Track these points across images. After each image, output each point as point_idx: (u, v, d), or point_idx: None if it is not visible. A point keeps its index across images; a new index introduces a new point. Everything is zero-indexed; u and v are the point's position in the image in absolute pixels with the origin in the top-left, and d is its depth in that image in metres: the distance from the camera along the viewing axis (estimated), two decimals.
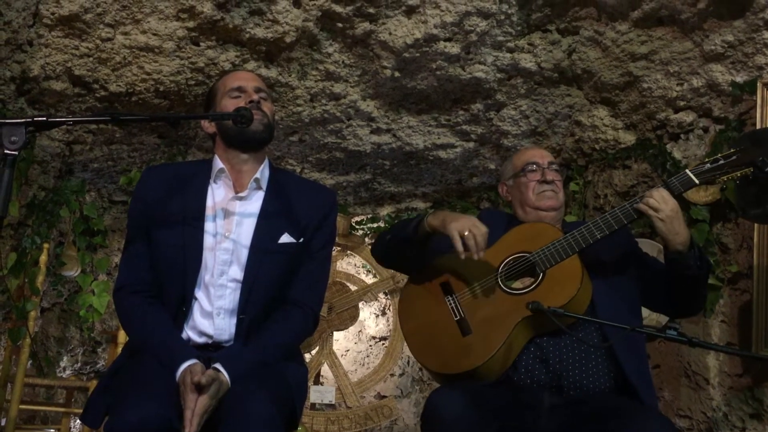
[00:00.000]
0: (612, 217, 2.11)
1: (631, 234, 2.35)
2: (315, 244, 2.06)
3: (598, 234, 2.10)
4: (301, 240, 2.02)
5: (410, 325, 2.33)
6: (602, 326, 2.10)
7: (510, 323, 2.07)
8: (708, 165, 2.06)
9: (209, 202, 2.01)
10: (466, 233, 2.08)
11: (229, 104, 2.03)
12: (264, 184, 2.06)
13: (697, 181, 2.05)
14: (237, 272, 1.95)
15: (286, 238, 1.99)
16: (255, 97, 2.05)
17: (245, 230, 1.98)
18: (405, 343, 4.70)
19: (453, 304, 2.22)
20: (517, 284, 2.16)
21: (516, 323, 2.07)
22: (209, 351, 1.90)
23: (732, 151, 2.05)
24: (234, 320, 1.93)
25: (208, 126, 2.12)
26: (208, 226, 1.97)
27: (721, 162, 2.04)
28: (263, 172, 2.07)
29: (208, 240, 1.96)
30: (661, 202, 2.02)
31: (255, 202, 2.03)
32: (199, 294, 1.94)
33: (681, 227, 2.03)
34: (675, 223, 2.02)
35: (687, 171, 2.07)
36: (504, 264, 2.21)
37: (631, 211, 2.08)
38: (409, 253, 2.30)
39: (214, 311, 1.93)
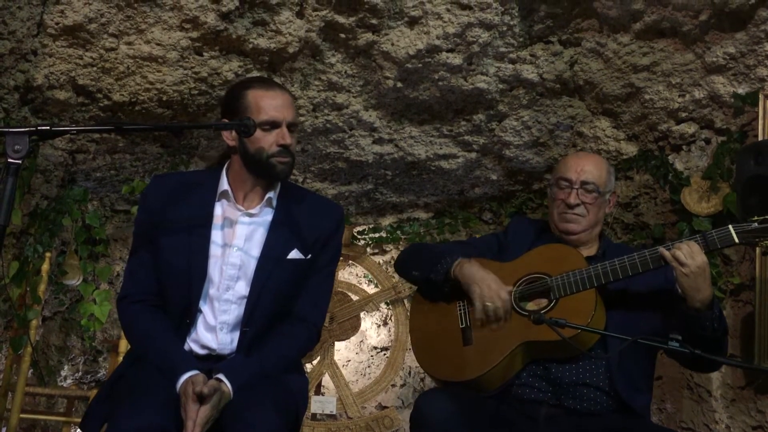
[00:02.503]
0: (639, 259, 2.05)
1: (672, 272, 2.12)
2: (322, 259, 2.04)
3: (621, 274, 2.05)
4: (309, 256, 2.00)
5: (417, 320, 2.32)
6: (608, 350, 2.08)
7: (512, 343, 2.06)
8: (755, 225, 1.93)
9: (217, 211, 1.99)
10: (488, 304, 2.09)
11: (259, 135, 1.93)
12: (274, 203, 2.03)
13: (737, 240, 1.94)
14: (243, 288, 1.93)
15: (295, 255, 1.97)
16: (288, 141, 1.97)
17: (254, 245, 1.96)
18: (406, 354, 4.72)
19: (462, 311, 2.21)
20: (530, 305, 2.15)
21: (518, 345, 2.06)
22: (211, 362, 1.90)
23: None
24: (237, 333, 1.92)
25: (229, 137, 2.02)
26: (215, 235, 1.95)
27: None
28: (275, 192, 2.04)
29: (215, 251, 1.94)
30: (688, 256, 1.93)
31: (265, 217, 2.01)
32: (204, 308, 1.93)
33: (704, 285, 1.94)
34: (699, 280, 1.93)
35: (730, 226, 1.96)
36: (521, 282, 2.19)
37: (660, 258, 2.01)
38: (433, 290, 2.30)
39: (217, 326, 1.92)
